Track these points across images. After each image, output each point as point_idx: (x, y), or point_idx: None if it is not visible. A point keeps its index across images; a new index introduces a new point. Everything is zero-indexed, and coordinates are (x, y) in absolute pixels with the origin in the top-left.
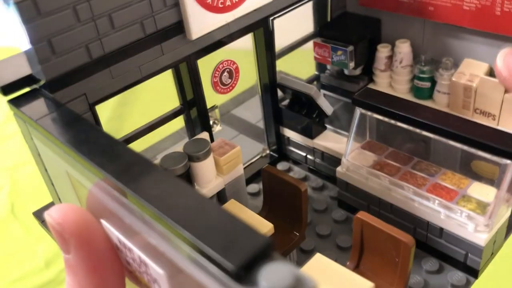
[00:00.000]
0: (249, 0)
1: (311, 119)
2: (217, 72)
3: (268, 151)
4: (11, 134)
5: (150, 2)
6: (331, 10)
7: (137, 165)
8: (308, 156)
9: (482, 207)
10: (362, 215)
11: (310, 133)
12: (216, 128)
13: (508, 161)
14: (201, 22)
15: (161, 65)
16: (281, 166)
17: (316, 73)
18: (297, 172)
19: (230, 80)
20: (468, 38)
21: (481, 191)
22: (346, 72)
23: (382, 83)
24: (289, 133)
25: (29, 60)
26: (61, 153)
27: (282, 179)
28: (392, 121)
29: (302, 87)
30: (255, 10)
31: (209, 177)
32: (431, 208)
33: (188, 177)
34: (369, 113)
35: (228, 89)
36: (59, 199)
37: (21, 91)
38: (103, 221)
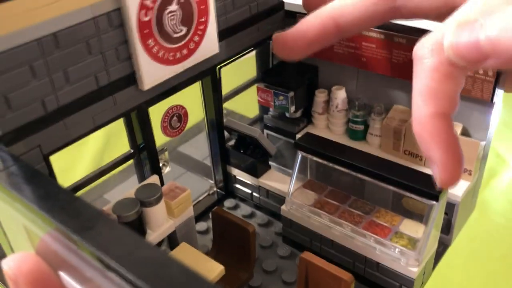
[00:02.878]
0: (197, 52)
1: (256, 159)
2: (167, 117)
3: (215, 189)
4: None
5: (104, 57)
6: (272, 57)
7: (98, 221)
8: (254, 194)
9: (412, 242)
10: (306, 255)
11: (255, 172)
12: (166, 170)
13: (433, 202)
14: (152, 74)
15: (114, 115)
16: (228, 203)
17: (260, 114)
18: (244, 208)
19: (179, 124)
20: (397, 87)
21: (411, 228)
22: (287, 114)
23: (320, 125)
24: (235, 171)
25: None
26: (20, 207)
27: (231, 221)
28: (330, 164)
29: (248, 130)
30: (203, 61)
31: (161, 221)
32: (368, 244)
33: (140, 221)
34: (309, 156)
35: (178, 132)
36: (12, 250)
37: None
38: (61, 273)
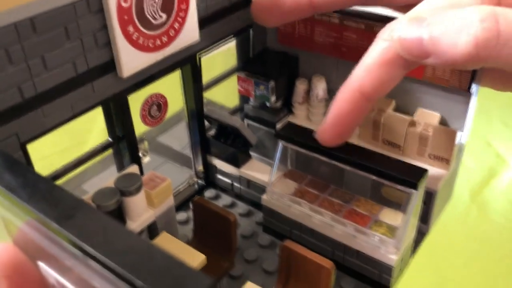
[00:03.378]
0: (178, 40)
1: (237, 149)
2: (146, 106)
3: (195, 179)
4: None
5: (82, 43)
6: (253, 47)
7: (79, 209)
8: (235, 184)
9: (391, 231)
10: (288, 244)
11: (236, 162)
12: (145, 160)
13: (412, 191)
14: (132, 61)
15: (92, 102)
16: (209, 193)
17: (241, 103)
18: (225, 199)
19: (158, 113)
20: None
21: (390, 216)
22: (268, 104)
23: (300, 115)
24: (216, 161)
25: None
26: None
27: (212, 210)
28: (311, 153)
29: (228, 119)
30: (183, 48)
31: (141, 211)
32: (347, 233)
33: (119, 211)
34: (290, 145)
35: (157, 122)
36: None
37: None
38: (40, 263)
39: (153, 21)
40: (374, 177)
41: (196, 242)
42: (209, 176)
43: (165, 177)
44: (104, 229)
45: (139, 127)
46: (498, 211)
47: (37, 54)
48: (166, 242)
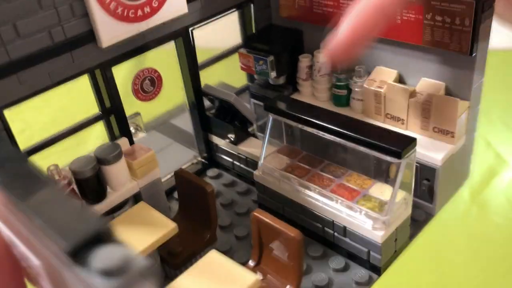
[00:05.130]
0: (163, 11)
1: (234, 126)
2: (138, 80)
3: (199, 158)
4: None
5: (57, 12)
6: (256, 23)
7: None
8: (235, 162)
9: (380, 205)
10: (257, 212)
11: (234, 140)
12: (139, 135)
13: (396, 160)
14: (111, 31)
15: (71, 72)
16: (211, 172)
17: (247, 83)
18: (226, 177)
19: (152, 88)
20: (377, 47)
21: (381, 190)
22: (270, 81)
23: (305, 92)
24: (217, 140)
25: None
26: None
27: (192, 182)
28: (300, 126)
29: (223, 94)
30: (171, 21)
31: (122, 180)
32: (335, 208)
33: (98, 179)
34: (279, 118)
35: (151, 97)
36: None
37: None
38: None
39: None
40: (358, 147)
41: (181, 214)
42: (212, 155)
43: (149, 148)
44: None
45: (141, 108)
46: (498, 211)
47: (8, 21)
48: (141, 209)
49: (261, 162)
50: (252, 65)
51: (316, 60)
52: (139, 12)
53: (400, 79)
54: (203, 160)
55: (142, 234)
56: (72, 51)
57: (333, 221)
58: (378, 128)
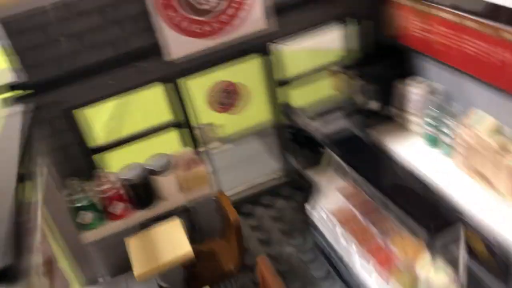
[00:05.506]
0: (235, 26)
1: (311, 152)
2: (213, 92)
3: (276, 176)
4: None
5: (122, 25)
6: (358, 40)
7: None
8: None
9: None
10: (260, 259)
11: (302, 164)
12: (213, 145)
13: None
14: (177, 45)
15: (137, 82)
16: (285, 191)
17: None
18: (298, 198)
19: (229, 101)
20: (477, 85)
21: (423, 263)
22: (365, 106)
23: (398, 122)
24: (295, 160)
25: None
26: None
27: (223, 208)
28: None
29: (297, 116)
30: (245, 36)
31: (169, 191)
32: (367, 268)
33: (145, 187)
34: (333, 154)
35: (227, 109)
36: None
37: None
38: None
39: (197, 5)
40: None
41: (220, 236)
42: (289, 174)
43: (203, 164)
44: None
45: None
46: None
47: (75, 33)
48: (168, 227)
49: (314, 196)
50: (344, 86)
51: (412, 90)
52: (206, 27)
53: (498, 130)
54: (280, 178)
55: (155, 252)
56: (136, 62)
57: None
58: (427, 196)
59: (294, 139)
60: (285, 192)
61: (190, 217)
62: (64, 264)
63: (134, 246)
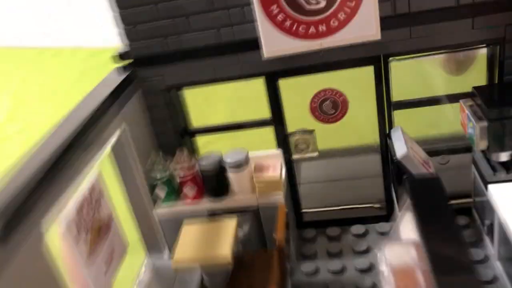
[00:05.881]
0: (344, 33)
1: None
2: (316, 99)
3: (375, 205)
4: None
5: (229, 13)
6: (500, 69)
7: None
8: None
9: None
10: None
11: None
12: (307, 154)
13: None
14: (275, 43)
15: (235, 73)
16: (380, 227)
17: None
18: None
19: (333, 111)
20: None
21: None
22: (493, 155)
23: None
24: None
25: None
26: None
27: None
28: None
29: (395, 146)
30: (355, 44)
31: (241, 189)
32: None
33: (219, 178)
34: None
35: (331, 120)
36: None
37: None
38: None
39: (306, 5)
40: None
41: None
42: (389, 208)
43: (279, 171)
44: None
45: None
46: None
47: (183, 14)
48: (223, 225)
49: (383, 249)
50: (466, 123)
51: None
52: (312, 29)
53: None
54: (378, 209)
55: (199, 245)
56: (238, 53)
57: None
58: None
59: (398, 172)
60: (380, 228)
61: (259, 221)
62: (127, 229)
63: (185, 231)
